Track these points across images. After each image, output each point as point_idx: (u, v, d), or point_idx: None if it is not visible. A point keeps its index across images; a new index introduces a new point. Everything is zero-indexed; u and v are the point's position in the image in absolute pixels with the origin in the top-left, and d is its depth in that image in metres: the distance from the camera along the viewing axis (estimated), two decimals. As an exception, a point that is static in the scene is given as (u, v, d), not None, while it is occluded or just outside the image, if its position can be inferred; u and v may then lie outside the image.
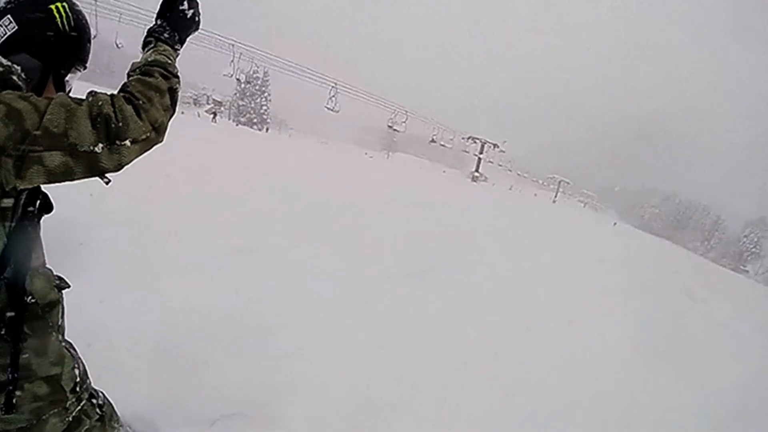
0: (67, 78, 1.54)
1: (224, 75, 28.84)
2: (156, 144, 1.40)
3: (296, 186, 9.79)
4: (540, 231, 11.93)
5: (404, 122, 37.25)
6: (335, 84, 31.71)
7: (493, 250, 7.78)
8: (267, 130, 60.72)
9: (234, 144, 17.87)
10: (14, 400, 1.40)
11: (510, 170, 54.65)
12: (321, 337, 3.62)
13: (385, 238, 6.86)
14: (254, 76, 53.60)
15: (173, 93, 1.46)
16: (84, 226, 4.58)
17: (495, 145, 47.53)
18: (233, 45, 28.35)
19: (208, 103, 58.43)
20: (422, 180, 21.19)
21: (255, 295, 4.09)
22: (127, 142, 1.29)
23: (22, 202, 1.36)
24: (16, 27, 1.37)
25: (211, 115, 44.59)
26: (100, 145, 1.25)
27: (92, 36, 1.60)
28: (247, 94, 64.38)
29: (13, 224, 1.34)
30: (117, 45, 28.04)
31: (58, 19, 1.44)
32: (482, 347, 4.07)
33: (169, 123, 1.45)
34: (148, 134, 1.34)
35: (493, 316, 4.87)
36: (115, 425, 1.90)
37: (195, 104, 59.76)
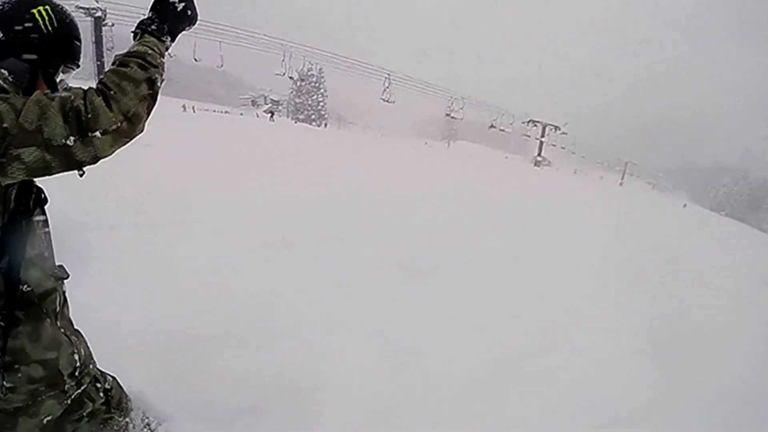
0: (59, 77, 1.60)
1: (277, 74, 29.35)
2: (132, 134, 1.40)
3: (346, 182, 9.71)
4: (605, 218, 11.15)
5: (461, 109, 36.60)
6: (388, 75, 31.59)
7: (550, 243, 7.52)
8: (325, 126, 61.38)
9: (289, 141, 18.04)
10: (5, 382, 1.47)
11: (573, 153, 52.41)
12: (342, 336, 3.51)
13: (434, 235, 6.66)
14: (309, 73, 54.15)
15: (152, 83, 1.44)
16: (112, 226, 5.01)
17: (556, 128, 45.95)
18: (283, 45, 28.68)
19: (265, 104, 59.31)
20: (482, 169, 20.48)
21: (276, 291, 4.09)
22: (98, 134, 1.30)
23: (12, 197, 1.43)
24: (2, 36, 1.44)
25: (269, 115, 45.23)
26: (72, 138, 1.27)
27: (79, 33, 1.64)
28: (303, 91, 65.20)
29: (6, 217, 1.42)
30: (169, 54, 28.50)
31: (41, 22, 1.49)
32: (517, 347, 3.77)
33: (149, 113, 1.44)
34: (119, 124, 1.34)
35: (538, 309, 4.62)
36: (124, 410, 2.00)
37: (253, 105, 60.90)
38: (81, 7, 26.96)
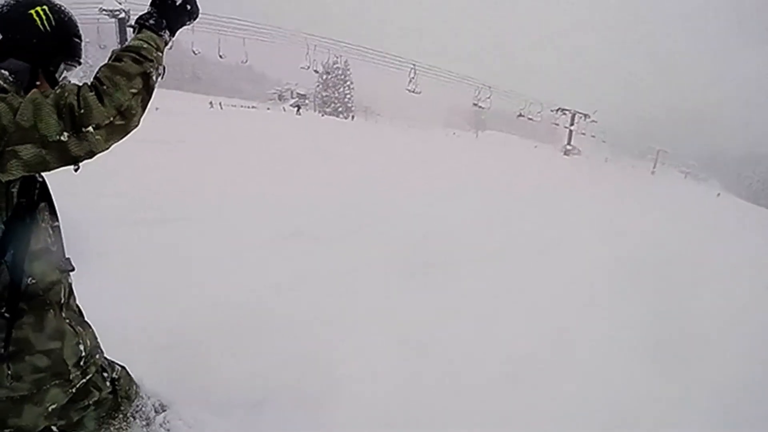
0: (61, 74, 1.64)
1: (301, 68, 29.50)
2: (127, 129, 1.42)
3: (369, 174, 9.69)
4: (636, 210, 10.79)
5: (488, 98, 36.18)
6: (413, 66, 31.48)
7: (577, 237, 7.25)
8: (352, 118, 61.45)
9: (314, 135, 18.13)
10: (10, 372, 1.51)
11: (604, 141, 51.23)
12: (356, 332, 3.45)
13: (456, 228, 6.54)
14: (334, 66, 54.17)
15: (146, 77, 1.45)
16: (130, 222, 5.10)
17: (586, 116, 44.96)
18: (306, 38, 28.87)
19: (292, 98, 59.64)
20: (510, 159, 20.17)
21: (288, 285, 4.07)
22: (91, 129, 1.32)
23: (15, 193, 1.47)
24: (1, 37, 1.49)
25: (296, 109, 45.48)
26: (66, 134, 1.30)
27: (79, 30, 1.67)
28: (330, 84, 65.42)
29: (9, 213, 1.46)
30: (194, 51, 30.29)
31: (38, 22, 1.53)
32: (529, 346, 3.59)
33: (144, 107, 1.45)
34: (112, 119, 1.36)
35: (556, 306, 4.42)
36: (132, 399, 2.05)
37: (280, 100, 61.37)
38: (105, 10, 27.44)
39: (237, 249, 4.82)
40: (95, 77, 1.41)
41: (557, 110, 44.39)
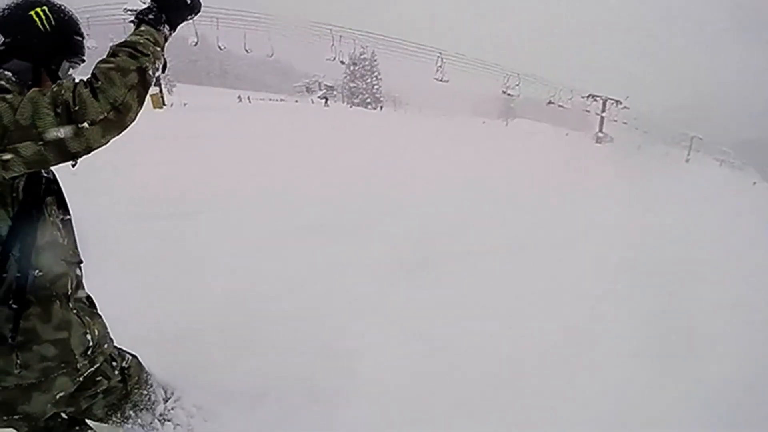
0: (66, 72, 1.67)
1: (327, 59, 29.48)
2: (122, 123, 1.44)
3: (392, 167, 9.62)
4: (669, 201, 10.40)
5: (517, 86, 35.55)
6: (440, 54, 31.16)
7: (602, 229, 6.95)
8: (381, 108, 61.36)
9: (339, 126, 18.14)
10: (19, 360, 1.56)
11: (636, 128, 49.77)
12: (364, 326, 3.41)
13: (476, 221, 6.41)
14: (361, 57, 54.07)
15: (142, 72, 1.47)
16: (148, 217, 5.15)
17: (617, 102, 43.65)
18: (331, 29, 28.81)
19: (320, 90, 59.90)
20: (539, 148, 19.82)
21: (298, 279, 4.07)
22: (86, 124, 1.35)
23: (20, 188, 1.52)
24: (2, 38, 1.54)
25: (323, 100, 45.61)
26: (62, 130, 1.33)
27: (80, 29, 1.71)
28: (357, 75, 65.32)
29: (16, 208, 1.51)
30: (219, 47, 30.56)
31: (38, 22, 1.57)
32: (533, 344, 3.46)
33: (140, 101, 1.47)
34: (106, 114, 1.38)
35: (568, 301, 4.22)
36: (143, 388, 2.09)
37: (308, 92, 61.68)
38: (129, 10, 27.97)
39: (250, 242, 4.86)
40: (92, 73, 1.43)
41: (588, 97, 43.18)
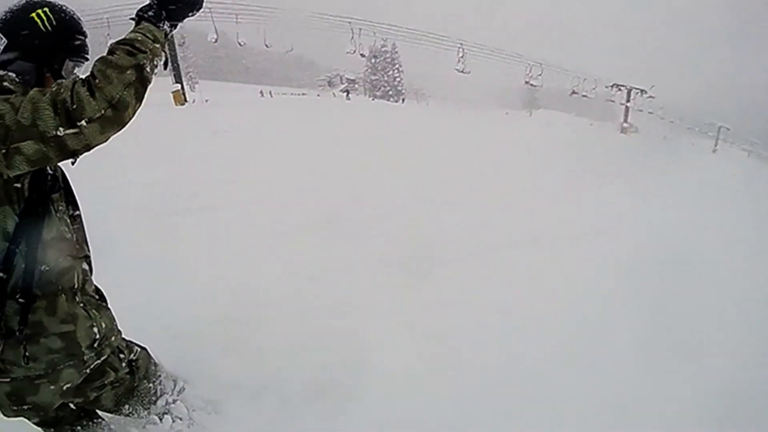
0: (72, 71, 1.71)
1: (347, 53, 29.49)
2: (120, 120, 1.47)
3: (410, 157, 9.53)
4: (692, 193, 10.07)
5: (540, 76, 35.06)
6: (461, 45, 30.88)
7: (626, 220, 6.81)
8: (403, 101, 61.13)
9: (358, 120, 18.07)
10: (26, 353, 1.61)
11: (662, 118, 48.57)
12: (377, 321, 3.39)
13: (494, 215, 6.26)
14: (382, 49, 53.90)
15: (140, 69, 1.49)
16: (167, 213, 5.26)
17: (642, 91, 42.62)
18: (350, 22, 28.82)
19: (341, 83, 59.89)
20: (562, 139, 19.45)
21: (311, 274, 4.07)
22: (84, 122, 1.39)
23: (26, 186, 1.56)
24: (6, 42, 1.59)
25: (345, 94, 45.63)
26: (62, 129, 1.38)
27: (81, 28, 1.74)
28: (379, 68, 65.25)
29: (23, 205, 1.56)
30: (239, 43, 31.16)
31: (39, 24, 1.61)
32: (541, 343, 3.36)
33: (137, 98, 1.50)
34: (103, 112, 1.42)
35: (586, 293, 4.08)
36: (152, 379, 2.14)
37: (330, 86, 61.70)
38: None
39: (262, 237, 4.88)
40: (90, 71, 1.47)
41: (612, 86, 42.33)
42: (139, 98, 1.51)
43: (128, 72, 1.47)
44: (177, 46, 30.18)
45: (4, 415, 1.77)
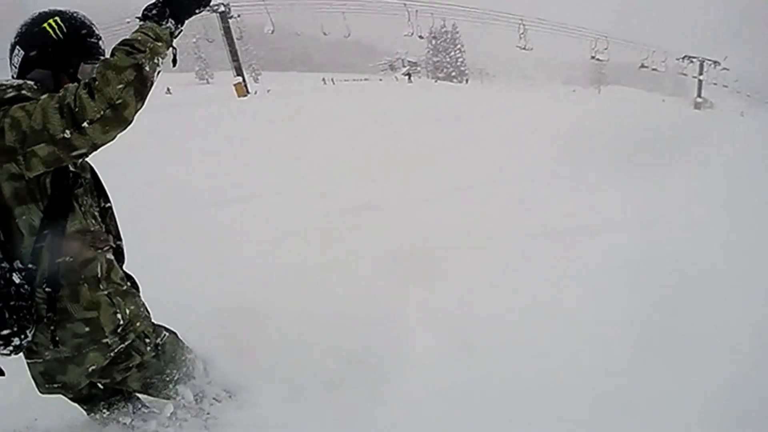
0: (90, 73, 1.68)
1: (405, 35, 29.31)
2: (121, 120, 1.54)
3: (463, 141, 9.33)
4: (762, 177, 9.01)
5: (606, 50, 33.53)
6: (521, 21, 29.96)
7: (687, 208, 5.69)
8: (467, 81, 60.19)
9: (422, 102, 17.79)
10: (56, 337, 1.76)
11: (738, 91, 45.03)
12: (409, 313, 3.24)
13: (540, 202, 5.82)
14: (442, 30, 53.03)
15: (138, 68, 1.54)
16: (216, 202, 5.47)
17: (716, 63, 39.65)
18: (405, 4, 28.66)
19: (403, 66, 59.57)
20: (632, 118, 18.27)
21: (330, 264, 4.00)
22: (86, 124, 1.49)
23: (47, 184, 1.67)
24: (23, 53, 1.75)
25: (406, 77, 45.44)
26: (68, 131, 1.49)
27: (93, 31, 1.86)
28: (440, 49, 64.56)
29: (46, 201, 1.68)
30: (296, 33, 32.82)
31: (51, 33, 1.75)
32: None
33: (138, 97, 1.55)
34: (103, 112, 1.50)
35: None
36: (179, 364, 2.18)
37: (392, 69, 61.47)
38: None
39: (297, 226, 4.84)
40: (93, 74, 1.56)
41: (683, 58, 39.51)
42: (139, 97, 1.57)
43: (126, 72, 1.53)
44: (236, 40, 30.92)
45: (39, 391, 1.94)
